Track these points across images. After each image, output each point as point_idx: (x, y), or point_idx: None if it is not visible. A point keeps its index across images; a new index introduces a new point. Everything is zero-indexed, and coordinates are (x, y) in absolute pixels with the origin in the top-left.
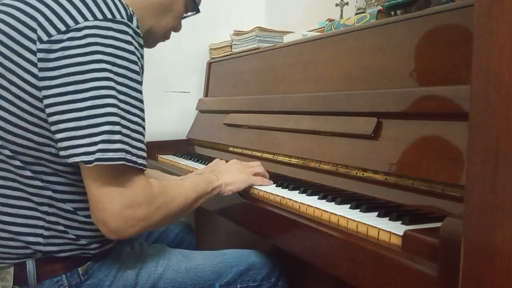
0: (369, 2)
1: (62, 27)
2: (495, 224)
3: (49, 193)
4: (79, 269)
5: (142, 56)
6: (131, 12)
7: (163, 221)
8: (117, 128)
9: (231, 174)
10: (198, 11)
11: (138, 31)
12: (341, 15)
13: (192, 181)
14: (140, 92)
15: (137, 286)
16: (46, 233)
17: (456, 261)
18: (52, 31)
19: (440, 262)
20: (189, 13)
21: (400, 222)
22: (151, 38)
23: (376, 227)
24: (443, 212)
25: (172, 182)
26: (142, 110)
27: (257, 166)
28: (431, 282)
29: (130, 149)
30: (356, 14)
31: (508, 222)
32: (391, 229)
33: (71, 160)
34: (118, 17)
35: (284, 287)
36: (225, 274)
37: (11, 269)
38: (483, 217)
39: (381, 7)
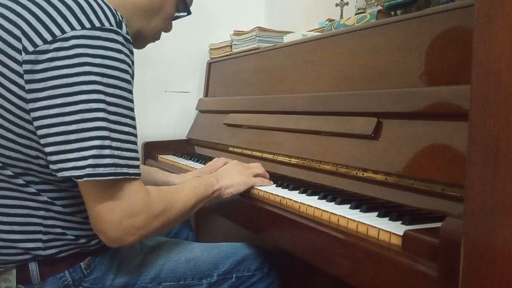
0: (369, 2)
1: (48, 37)
2: (495, 224)
3: (44, 198)
4: (81, 263)
5: (132, 62)
6: (120, 17)
7: (162, 227)
8: (107, 142)
9: (231, 177)
10: (189, 12)
11: (128, 37)
12: (341, 15)
13: (191, 186)
14: (131, 101)
15: (140, 278)
16: (44, 237)
17: (456, 261)
18: (37, 40)
19: (440, 262)
20: (181, 14)
21: (400, 222)
22: (140, 39)
23: (376, 227)
24: (443, 212)
25: (171, 187)
26: (133, 118)
27: (257, 167)
28: (431, 282)
29: (120, 161)
30: (356, 14)
31: (508, 222)
32: (391, 229)
33: (60, 174)
34: (106, 24)
35: (276, 277)
36: (222, 265)
37: (13, 271)
38: (483, 217)
39: (381, 7)
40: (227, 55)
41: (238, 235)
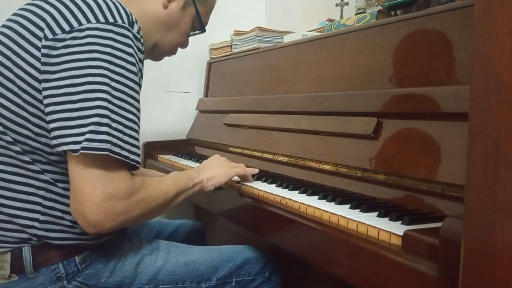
0: (369, 2)
1: (66, 27)
2: (495, 224)
3: (47, 177)
4: (76, 257)
5: (141, 60)
6: (134, 19)
7: (142, 216)
8: (105, 120)
9: (212, 169)
10: (204, 30)
11: (139, 36)
12: (341, 15)
13: (173, 177)
14: (137, 92)
15: (136, 278)
16: (42, 217)
17: (456, 261)
18: (57, 30)
19: (440, 262)
20: (196, 32)
21: (400, 222)
22: (157, 52)
23: (376, 227)
24: (443, 212)
25: (153, 178)
26: (138, 109)
27: (238, 164)
28: (431, 282)
29: (120, 143)
30: (356, 14)
31: (508, 222)
32: (391, 229)
33: (60, 148)
34: (119, 21)
35: (277, 281)
36: (221, 269)
37: (8, 257)
38: (483, 217)
39: (381, 7)
40: (227, 55)
41: (238, 236)
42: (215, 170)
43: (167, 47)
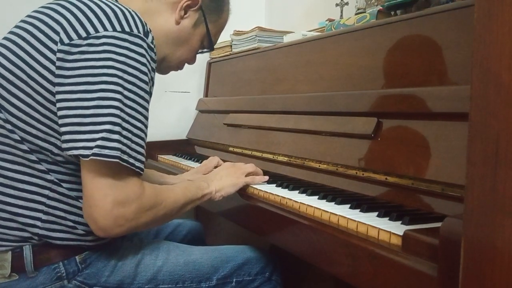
0: (369, 2)
1: (83, 33)
2: (495, 224)
3: (52, 177)
4: (76, 257)
5: (153, 69)
6: (149, 29)
7: (150, 223)
8: (117, 128)
9: (221, 180)
10: (212, 49)
11: (152, 46)
12: (341, 15)
13: (182, 187)
14: (147, 101)
15: (136, 278)
16: (44, 217)
17: (456, 261)
18: (73, 35)
19: (440, 262)
20: (205, 50)
21: (400, 222)
22: (165, 66)
23: (376, 227)
24: (443, 212)
25: (163, 186)
26: (146, 118)
27: (247, 167)
28: (431, 282)
29: (128, 150)
30: (356, 14)
31: (508, 222)
32: (391, 229)
33: (70, 152)
34: (135, 31)
35: (278, 282)
36: (222, 268)
37: (9, 256)
38: (483, 217)
39: (381, 7)
40: (227, 55)
41: (238, 236)
42: (224, 181)
43: (175, 62)
